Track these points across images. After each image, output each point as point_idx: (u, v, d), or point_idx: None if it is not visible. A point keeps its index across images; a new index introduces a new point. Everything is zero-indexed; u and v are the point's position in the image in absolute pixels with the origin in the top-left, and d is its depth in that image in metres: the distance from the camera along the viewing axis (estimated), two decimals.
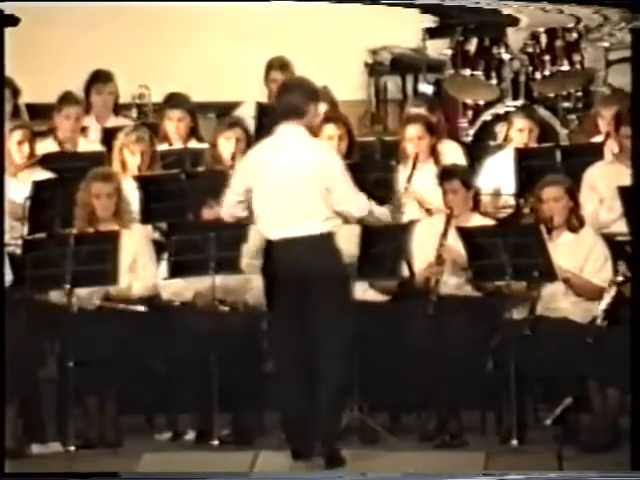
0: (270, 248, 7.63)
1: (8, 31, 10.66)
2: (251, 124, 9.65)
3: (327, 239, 7.61)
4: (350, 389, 7.92)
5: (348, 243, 8.17)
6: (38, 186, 8.87)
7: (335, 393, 7.65)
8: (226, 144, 9.14)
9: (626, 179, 8.71)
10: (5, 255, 8.31)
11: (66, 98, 9.70)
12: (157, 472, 7.76)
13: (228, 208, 7.90)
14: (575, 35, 10.34)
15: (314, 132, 8.44)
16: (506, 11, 10.41)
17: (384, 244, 8.35)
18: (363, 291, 8.40)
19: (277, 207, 7.60)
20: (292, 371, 7.67)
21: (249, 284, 8.24)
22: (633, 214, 7.71)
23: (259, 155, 7.78)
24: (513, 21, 10.42)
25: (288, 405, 7.74)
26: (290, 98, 7.73)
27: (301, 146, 7.65)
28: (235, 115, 9.72)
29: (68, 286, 8.21)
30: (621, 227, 8.52)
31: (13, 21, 8.54)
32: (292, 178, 7.56)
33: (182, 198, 8.73)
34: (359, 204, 7.75)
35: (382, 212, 8.04)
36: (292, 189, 7.55)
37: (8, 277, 8.39)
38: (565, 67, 10.27)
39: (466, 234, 8.29)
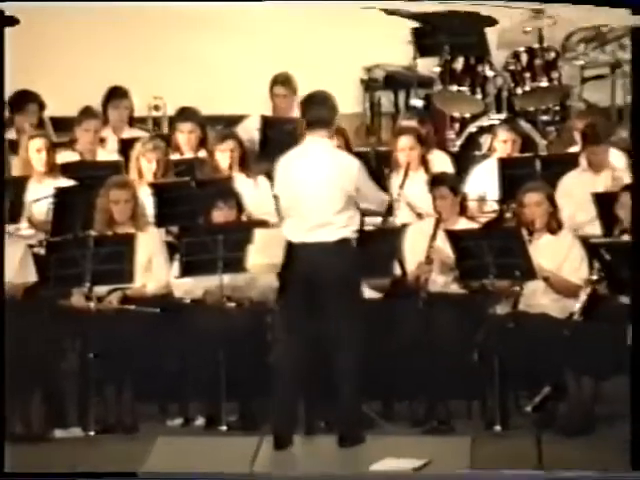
0: (291, 250, 7.67)
1: (35, 50, 10.76)
2: (256, 136, 9.72)
3: (344, 245, 7.66)
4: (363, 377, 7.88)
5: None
6: (60, 192, 8.92)
7: (353, 384, 7.73)
8: (222, 155, 9.16)
9: (598, 186, 8.92)
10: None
11: (86, 112, 9.74)
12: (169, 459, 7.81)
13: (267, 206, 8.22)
14: (553, 54, 10.38)
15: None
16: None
17: (378, 246, 8.38)
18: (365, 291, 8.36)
19: (302, 213, 7.67)
20: (290, 366, 7.73)
21: (254, 282, 8.26)
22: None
23: (287, 165, 7.81)
24: (491, 22, 10.42)
25: (280, 398, 7.81)
26: (317, 111, 7.79)
27: (327, 156, 7.71)
28: (228, 129, 9.73)
29: (88, 284, 8.29)
30: (595, 230, 8.65)
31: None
32: (317, 187, 7.62)
33: (192, 203, 8.77)
34: (381, 201, 7.97)
35: (384, 202, 8.11)
36: (317, 197, 7.62)
37: (33, 277, 8.50)
38: (544, 83, 10.29)
39: (453, 236, 8.34)
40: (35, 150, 9.27)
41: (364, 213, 7.95)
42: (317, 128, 7.73)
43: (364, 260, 8.19)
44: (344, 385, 7.73)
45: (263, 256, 7.83)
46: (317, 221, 7.61)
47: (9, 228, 8.65)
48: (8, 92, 9.97)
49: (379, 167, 9.03)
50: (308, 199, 7.63)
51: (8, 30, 10.70)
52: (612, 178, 8.99)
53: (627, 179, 8.97)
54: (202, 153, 9.49)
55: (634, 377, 7.19)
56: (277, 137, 8.97)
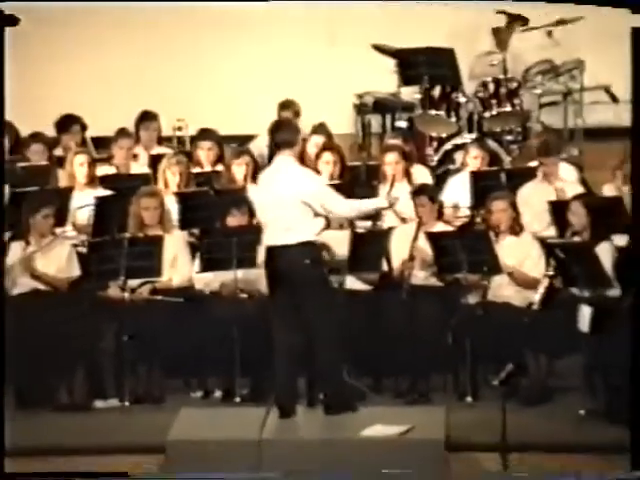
0: (268, 252, 7.66)
1: (77, 79, 10.74)
2: (265, 152, 9.62)
3: (305, 246, 7.59)
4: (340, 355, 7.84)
5: (341, 246, 8.30)
6: (100, 200, 8.89)
7: (332, 360, 7.66)
8: (238, 169, 9.12)
9: (552, 194, 8.85)
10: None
11: (121, 132, 9.70)
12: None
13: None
14: (515, 84, 10.32)
15: (307, 158, 8.79)
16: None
17: (368, 245, 8.39)
18: (352, 282, 8.39)
19: (268, 220, 7.68)
20: (284, 347, 7.68)
21: (262, 277, 8.09)
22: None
23: (261, 180, 7.85)
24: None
25: (278, 375, 7.74)
26: (282, 135, 7.72)
27: (291, 173, 7.64)
28: (242, 146, 9.66)
29: (123, 278, 8.24)
30: (551, 232, 8.60)
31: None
32: (282, 197, 7.55)
33: (211, 210, 8.71)
34: (347, 207, 7.77)
35: (369, 204, 7.93)
36: (280, 207, 7.56)
37: (77, 272, 8.44)
38: (508, 108, 10.22)
39: (432, 238, 8.30)
40: (78, 165, 9.22)
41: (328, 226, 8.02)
42: (283, 148, 7.68)
43: (356, 258, 8.28)
44: (323, 361, 7.68)
45: None
46: (281, 227, 7.57)
47: (57, 230, 8.62)
48: (55, 115, 10.16)
49: (369, 179, 8.97)
50: (273, 209, 7.61)
51: (53, 59, 10.89)
52: (560, 189, 8.94)
53: (577, 190, 8.95)
54: (219, 167, 9.41)
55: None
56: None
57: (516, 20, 10.40)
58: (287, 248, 7.56)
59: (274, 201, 7.60)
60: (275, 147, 7.81)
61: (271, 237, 7.63)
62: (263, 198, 7.72)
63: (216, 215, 8.62)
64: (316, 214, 7.66)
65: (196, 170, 9.35)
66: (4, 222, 8.27)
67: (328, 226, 8.36)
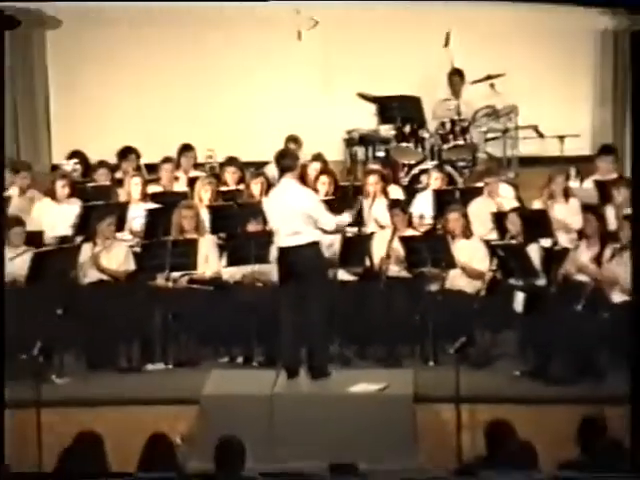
0: (280, 251, 7.68)
1: (134, 117, 10.71)
2: (277, 174, 9.54)
3: (311, 245, 7.59)
4: (330, 329, 7.89)
5: (335, 246, 8.30)
6: (150, 212, 8.91)
7: (321, 330, 7.70)
8: (255, 187, 9.09)
9: (494, 207, 8.84)
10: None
11: (166, 160, 9.67)
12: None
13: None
14: (466, 123, 10.28)
15: (308, 180, 8.73)
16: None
17: (355, 246, 8.41)
18: (343, 274, 8.39)
19: (279, 227, 7.66)
20: (289, 324, 7.67)
21: (274, 270, 8.14)
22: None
23: (270, 197, 7.86)
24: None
25: (285, 345, 7.76)
26: (285, 162, 7.76)
27: (292, 191, 7.66)
28: (259, 170, 9.57)
29: (167, 271, 8.26)
30: (493, 236, 8.58)
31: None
32: (286, 210, 7.58)
33: (234, 219, 8.68)
34: (329, 223, 7.74)
35: (341, 219, 7.90)
36: (286, 216, 7.58)
37: (132, 266, 8.42)
38: (461, 142, 10.17)
39: (404, 240, 8.32)
40: (134, 185, 9.21)
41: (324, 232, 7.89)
42: (287, 172, 7.71)
43: (346, 255, 8.27)
44: (313, 334, 7.70)
45: None
46: (291, 232, 7.56)
47: (117, 235, 8.61)
48: (116, 146, 10.09)
49: (355, 195, 8.92)
50: (282, 218, 7.61)
51: (116, 101, 10.73)
52: (500, 204, 8.92)
53: (513, 204, 8.94)
54: (241, 186, 9.39)
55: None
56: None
57: (462, 75, 10.44)
58: (298, 248, 7.56)
59: (283, 212, 7.60)
60: (280, 171, 7.83)
61: (283, 240, 7.62)
62: (274, 210, 7.72)
63: (238, 223, 8.58)
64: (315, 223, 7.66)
65: (223, 188, 9.33)
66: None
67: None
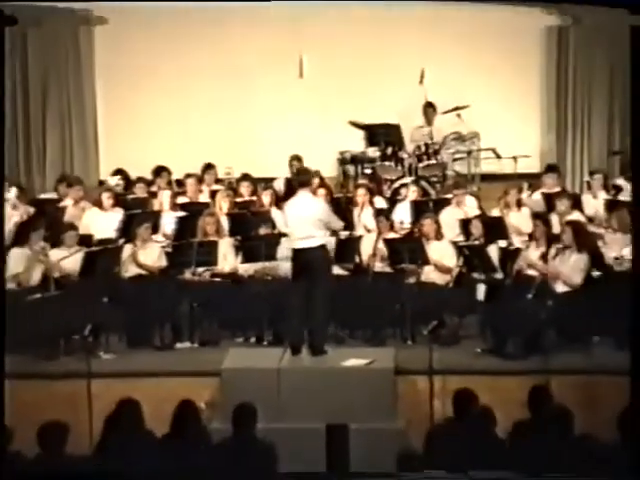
0: (293, 252, 7.61)
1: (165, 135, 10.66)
2: (282, 188, 9.64)
3: (321, 247, 7.55)
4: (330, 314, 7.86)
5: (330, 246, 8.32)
6: (179, 219, 8.89)
7: (324, 316, 7.66)
8: (265, 198, 9.06)
9: (461, 215, 8.83)
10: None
11: (190, 176, 9.63)
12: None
13: (282, 227, 8.02)
14: (437, 146, 10.26)
15: (313, 192, 8.49)
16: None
17: (347, 247, 8.37)
18: (337, 269, 8.30)
19: (295, 231, 7.58)
20: (296, 310, 7.61)
21: (281, 266, 8.17)
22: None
23: (289, 206, 7.73)
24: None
25: (291, 328, 7.71)
26: (302, 177, 7.73)
27: (308, 201, 7.61)
28: (268, 184, 9.56)
29: (193, 267, 8.23)
30: (460, 238, 8.56)
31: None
32: (302, 217, 7.51)
33: (248, 224, 8.65)
34: (339, 225, 7.81)
35: (340, 224, 7.95)
36: (302, 223, 7.51)
37: (164, 263, 8.35)
38: (433, 162, 10.18)
39: (387, 242, 8.30)
40: (166, 197, 9.21)
41: (334, 231, 7.94)
42: (303, 186, 7.65)
43: (340, 254, 8.23)
44: (315, 319, 7.64)
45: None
46: (303, 235, 7.50)
47: (153, 237, 8.55)
48: (151, 165, 10.06)
49: (347, 205, 8.93)
50: (298, 224, 7.53)
51: (152, 126, 10.69)
52: (466, 212, 8.92)
53: (476, 212, 8.94)
54: (253, 197, 9.38)
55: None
56: (291, 190, 8.90)
57: (433, 106, 10.42)
58: (311, 249, 7.48)
59: (299, 219, 7.51)
60: (298, 185, 7.72)
61: (298, 242, 7.53)
62: (291, 217, 7.62)
63: (251, 227, 8.56)
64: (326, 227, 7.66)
65: (239, 199, 9.32)
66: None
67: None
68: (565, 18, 10.60)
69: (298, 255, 7.56)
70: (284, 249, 8.02)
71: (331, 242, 8.16)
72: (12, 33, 10.31)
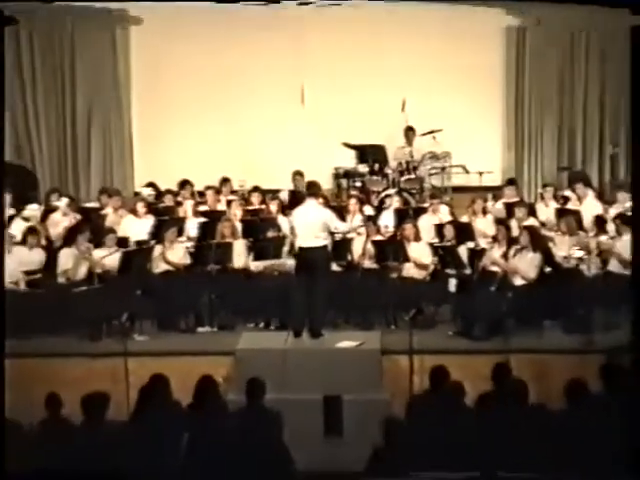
0: (300, 250, 7.58)
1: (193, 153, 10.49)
2: (287, 198, 9.56)
3: (324, 247, 7.57)
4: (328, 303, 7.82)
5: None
6: (200, 224, 8.80)
7: (322, 305, 7.65)
8: (273, 207, 8.98)
9: (436, 221, 8.77)
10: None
11: (209, 188, 9.55)
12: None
13: (287, 231, 7.96)
14: (416, 163, 10.19)
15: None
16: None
17: (341, 247, 8.32)
18: (333, 266, 8.27)
19: (303, 233, 7.56)
20: (298, 301, 7.60)
21: (287, 263, 8.13)
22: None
23: (298, 212, 7.72)
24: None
25: (293, 315, 7.69)
26: (311, 189, 7.72)
27: (315, 208, 7.61)
28: (275, 195, 9.48)
29: (212, 264, 8.18)
30: (435, 240, 8.51)
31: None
32: (310, 221, 7.52)
33: (258, 228, 8.59)
34: (342, 227, 7.84)
35: (346, 226, 8.02)
36: (309, 226, 7.51)
37: (188, 261, 8.30)
38: (413, 176, 10.10)
39: (374, 243, 8.26)
40: (190, 205, 9.17)
41: (333, 233, 7.89)
42: (311, 196, 7.66)
43: (336, 253, 8.20)
44: (314, 308, 7.61)
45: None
46: (310, 236, 7.50)
47: (179, 239, 8.49)
48: (177, 179, 9.93)
49: (342, 212, 8.85)
50: (306, 227, 7.53)
51: (176, 144, 10.58)
52: (440, 218, 8.87)
53: (449, 218, 8.88)
54: (262, 206, 9.31)
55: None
56: (295, 199, 8.90)
57: (413, 130, 10.34)
58: (315, 248, 7.49)
59: (307, 223, 7.52)
60: (307, 195, 7.73)
61: (304, 242, 7.52)
62: (300, 221, 7.60)
63: (261, 231, 8.52)
64: (327, 230, 7.64)
65: (250, 207, 9.27)
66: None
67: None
68: (525, 21, 10.36)
69: (303, 252, 7.54)
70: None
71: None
72: (60, 48, 10.31)
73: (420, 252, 8.26)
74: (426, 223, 8.78)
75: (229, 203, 9.35)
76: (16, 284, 7.95)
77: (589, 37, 10.44)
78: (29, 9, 9.86)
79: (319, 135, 10.62)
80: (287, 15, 10.00)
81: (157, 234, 8.53)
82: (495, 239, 8.26)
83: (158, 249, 8.32)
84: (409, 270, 8.20)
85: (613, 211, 8.67)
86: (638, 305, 5.51)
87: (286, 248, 8.08)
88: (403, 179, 10.10)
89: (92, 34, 10.55)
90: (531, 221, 8.67)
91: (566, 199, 9.28)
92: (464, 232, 8.47)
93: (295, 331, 7.65)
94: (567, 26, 10.46)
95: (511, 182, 9.78)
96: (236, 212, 8.98)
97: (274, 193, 9.62)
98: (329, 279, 7.68)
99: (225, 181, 9.84)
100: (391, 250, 8.17)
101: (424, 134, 10.29)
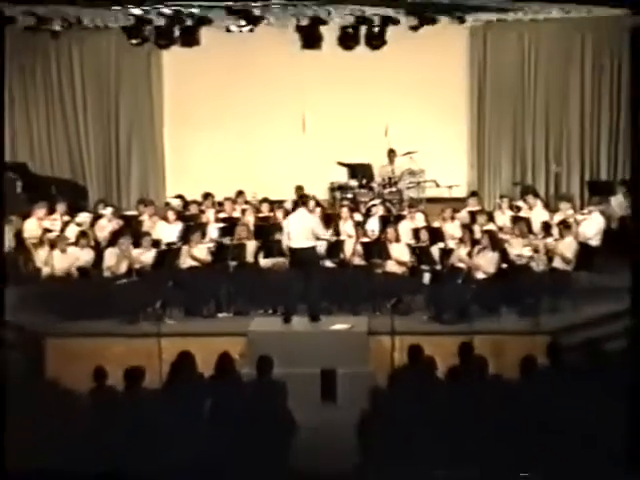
0: (292, 250, 7.57)
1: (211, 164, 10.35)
2: (290, 207, 9.36)
3: (313, 248, 7.56)
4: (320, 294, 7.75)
5: (323, 246, 8.22)
6: (220, 229, 8.73)
7: (316, 294, 7.60)
8: (279, 214, 8.91)
9: (413, 226, 8.68)
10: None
11: (228, 199, 9.42)
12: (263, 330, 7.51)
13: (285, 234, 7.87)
14: (397, 179, 10.06)
15: (308, 209, 8.34)
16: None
17: (335, 247, 8.28)
18: (328, 263, 8.26)
19: (295, 236, 7.56)
20: (297, 291, 7.59)
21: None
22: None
23: (291, 219, 7.73)
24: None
25: (293, 303, 7.67)
26: (303, 200, 7.79)
27: (305, 216, 7.62)
28: (280, 205, 9.31)
29: (230, 260, 8.13)
30: (412, 242, 8.42)
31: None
32: (301, 226, 7.52)
33: (267, 232, 8.49)
34: (324, 233, 7.79)
35: (325, 233, 7.95)
36: (300, 230, 7.51)
37: (209, 259, 8.19)
38: (394, 189, 10.00)
39: (362, 244, 8.23)
40: (211, 213, 9.07)
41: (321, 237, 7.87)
42: (302, 205, 7.75)
43: (330, 252, 8.18)
44: (312, 297, 7.58)
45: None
46: (300, 238, 7.49)
47: (202, 240, 8.40)
48: (201, 190, 9.77)
49: (335, 219, 8.82)
50: (298, 231, 7.52)
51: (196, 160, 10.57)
52: (416, 224, 8.81)
53: (424, 224, 8.79)
54: (270, 214, 9.19)
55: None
56: (296, 207, 8.75)
57: (394, 152, 10.23)
58: (306, 248, 7.49)
59: (299, 228, 7.54)
60: (300, 204, 7.78)
61: (297, 244, 7.54)
62: (294, 227, 7.62)
63: (269, 234, 8.44)
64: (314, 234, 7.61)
65: (261, 215, 9.18)
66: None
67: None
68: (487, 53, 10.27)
69: (296, 252, 7.54)
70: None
71: (323, 245, 8.09)
72: (106, 73, 10.14)
73: (400, 252, 8.23)
74: (405, 228, 8.74)
75: (243, 211, 9.29)
76: (69, 277, 7.98)
77: (537, 65, 10.36)
78: (79, 34, 9.67)
79: (317, 155, 10.54)
80: (293, 62, 9.89)
81: (184, 237, 8.49)
82: (461, 241, 8.25)
83: (185, 249, 8.26)
84: (391, 266, 8.17)
85: (557, 218, 8.66)
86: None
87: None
88: (386, 191, 10.03)
89: (131, 60, 10.43)
90: (490, 226, 8.67)
91: (519, 208, 9.28)
92: (436, 235, 8.45)
93: (285, 317, 7.60)
94: (519, 61, 10.42)
95: (474, 194, 9.77)
96: (249, 218, 8.94)
97: (280, 203, 9.54)
98: (320, 274, 7.65)
99: (240, 193, 9.77)
100: (376, 250, 8.15)
101: (403, 155, 10.23)
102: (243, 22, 7.53)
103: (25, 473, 4.13)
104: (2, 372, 4.87)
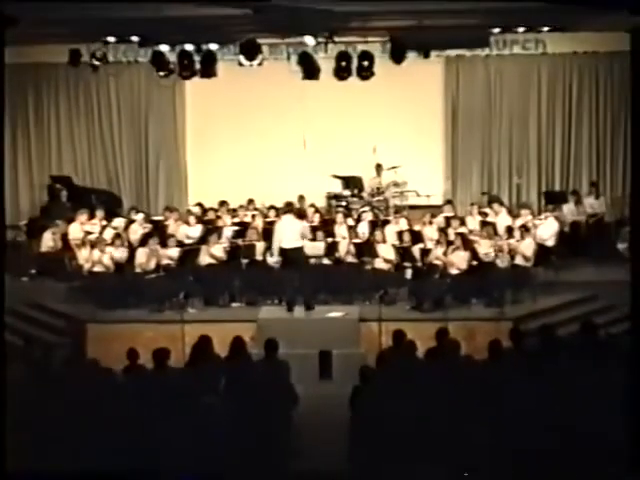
0: (283, 250, 7.56)
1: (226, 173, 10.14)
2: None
3: (300, 248, 7.54)
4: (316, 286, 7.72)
5: (318, 248, 8.16)
6: (233, 231, 8.63)
7: (309, 287, 7.58)
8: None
9: (398, 229, 8.59)
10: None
11: (241, 207, 9.36)
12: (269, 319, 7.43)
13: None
14: (383, 189, 9.95)
15: (307, 215, 8.32)
16: None
17: (331, 247, 8.19)
18: (325, 260, 8.18)
19: (285, 238, 7.55)
20: (293, 285, 7.57)
21: None
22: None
23: (280, 224, 7.71)
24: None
25: (293, 295, 7.63)
26: (289, 208, 7.74)
27: (292, 222, 7.60)
28: (282, 210, 9.16)
29: (242, 257, 8.10)
30: (396, 242, 8.34)
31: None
32: (289, 229, 7.51)
33: (271, 234, 8.32)
34: (309, 236, 7.76)
35: (309, 236, 7.84)
36: (289, 233, 7.51)
37: (225, 257, 8.11)
38: (381, 198, 9.90)
39: (355, 245, 8.18)
40: (227, 218, 9.02)
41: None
42: (289, 213, 7.75)
43: (327, 252, 8.08)
44: (306, 289, 7.57)
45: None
46: (289, 240, 7.48)
47: (218, 241, 8.34)
48: (217, 198, 9.64)
49: (331, 223, 8.72)
50: (288, 233, 7.52)
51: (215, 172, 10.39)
52: (400, 227, 8.73)
53: (406, 228, 8.71)
54: (276, 219, 8.94)
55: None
56: (284, 214, 8.56)
57: (381, 166, 10.09)
58: (295, 248, 7.48)
59: (288, 231, 7.55)
60: (285, 212, 7.82)
61: (287, 244, 7.53)
62: (283, 230, 7.63)
63: (275, 236, 8.29)
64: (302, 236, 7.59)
65: (268, 220, 9.07)
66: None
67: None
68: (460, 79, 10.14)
69: (286, 251, 7.54)
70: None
71: (319, 246, 8.00)
72: (138, 97, 10.12)
73: (386, 251, 8.21)
74: (390, 231, 8.69)
75: (253, 217, 9.24)
76: (107, 271, 7.99)
77: (502, 92, 10.33)
78: (114, 67, 9.66)
79: (316, 169, 10.43)
80: (295, 91, 9.73)
81: (203, 238, 8.45)
82: (438, 242, 8.24)
83: (204, 248, 8.22)
84: (379, 263, 8.14)
85: (518, 222, 8.66)
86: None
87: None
88: (374, 200, 9.96)
89: (158, 89, 10.35)
90: (462, 229, 8.66)
91: (486, 214, 9.29)
92: (417, 237, 8.43)
93: (289, 307, 7.58)
94: (486, 89, 10.40)
95: (449, 202, 9.76)
96: (258, 223, 8.90)
97: (283, 210, 9.44)
98: (309, 270, 7.63)
99: (250, 201, 9.71)
100: (366, 249, 8.13)
101: (389, 169, 10.17)
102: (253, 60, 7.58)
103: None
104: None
